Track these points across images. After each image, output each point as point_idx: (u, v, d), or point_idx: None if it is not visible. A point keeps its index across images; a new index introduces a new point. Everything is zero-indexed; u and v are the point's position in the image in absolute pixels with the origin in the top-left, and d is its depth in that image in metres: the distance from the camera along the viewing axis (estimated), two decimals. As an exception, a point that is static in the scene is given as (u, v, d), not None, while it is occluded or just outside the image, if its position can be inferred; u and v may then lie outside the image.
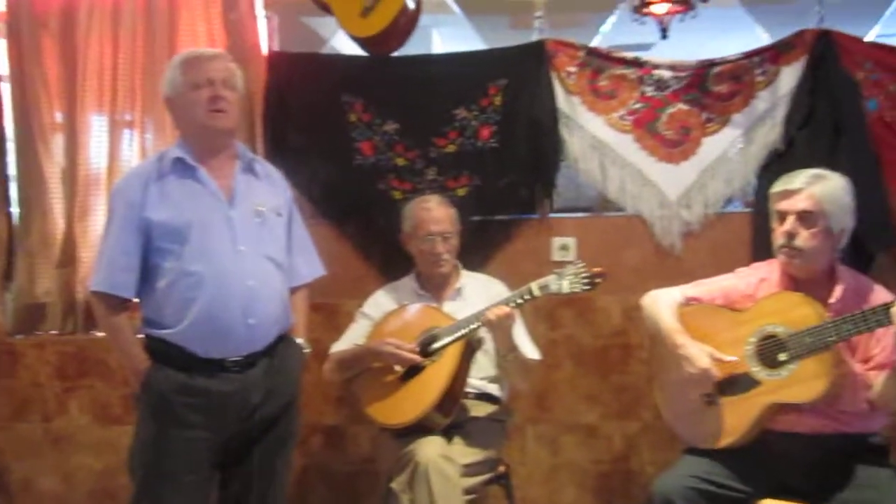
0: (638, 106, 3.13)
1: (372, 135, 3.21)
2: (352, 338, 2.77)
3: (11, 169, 3.42)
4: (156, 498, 2.27)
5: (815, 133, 2.97)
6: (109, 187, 3.23)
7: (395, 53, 3.21)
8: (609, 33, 3.41)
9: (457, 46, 3.51)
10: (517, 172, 3.16)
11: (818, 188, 2.21)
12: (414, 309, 2.74)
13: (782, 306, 2.21)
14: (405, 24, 3.10)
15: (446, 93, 3.18)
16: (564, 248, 3.20)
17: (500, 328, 2.49)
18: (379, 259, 3.25)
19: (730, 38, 3.33)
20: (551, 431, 3.28)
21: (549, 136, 3.12)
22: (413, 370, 2.59)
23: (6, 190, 3.41)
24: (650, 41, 3.13)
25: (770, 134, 3.06)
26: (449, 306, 2.76)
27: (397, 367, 2.61)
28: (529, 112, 3.13)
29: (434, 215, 2.76)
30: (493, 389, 2.77)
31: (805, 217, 2.20)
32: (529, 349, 2.71)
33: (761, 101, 3.07)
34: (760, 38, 3.22)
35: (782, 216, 2.25)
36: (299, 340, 2.48)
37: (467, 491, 2.44)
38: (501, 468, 2.70)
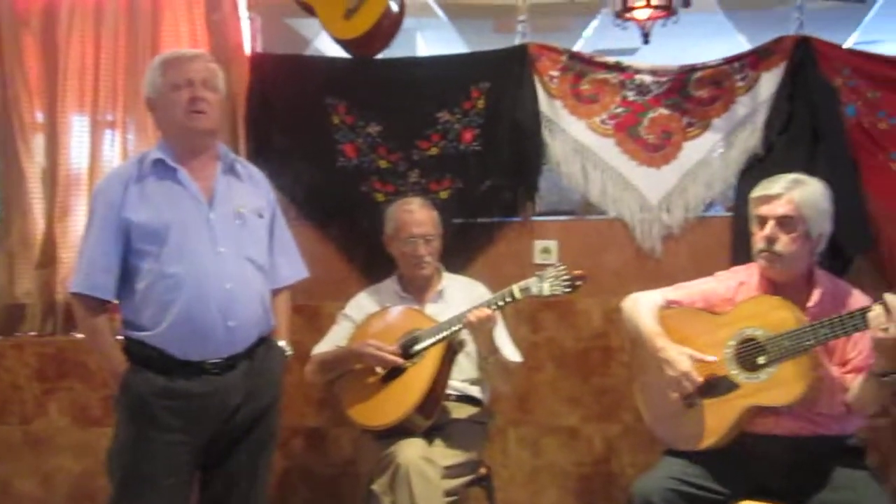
0: (619, 110, 3.15)
1: (355, 137, 3.21)
2: (334, 339, 2.78)
3: (-9, 168, 3.39)
4: (134, 501, 2.26)
5: (794, 138, 3.01)
6: (90, 188, 3.21)
7: (379, 56, 3.22)
8: (593, 38, 3.44)
9: (441, 49, 3.53)
10: (500, 175, 3.17)
11: (798, 193, 2.23)
12: (396, 311, 2.74)
13: (761, 310, 2.23)
14: (388, 26, 3.11)
15: (429, 95, 3.19)
16: (546, 250, 3.21)
17: (482, 330, 2.50)
18: (361, 261, 3.25)
19: (712, 43, 3.36)
20: (533, 433, 3.29)
21: (531, 139, 3.14)
22: (394, 372, 2.59)
23: (-15, 189, 3.39)
24: (634, 46, 3.15)
25: (750, 139, 3.09)
26: (431, 308, 2.77)
27: (379, 369, 2.61)
28: (512, 115, 3.14)
29: (416, 218, 2.77)
30: (475, 391, 2.78)
31: (785, 222, 2.22)
32: (510, 351, 2.72)
33: (741, 107, 3.10)
34: (742, 43, 3.25)
35: (762, 221, 2.27)
36: (281, 343, 2.47)
37: (448, 493, 2.45)
38: (483, 470, 2.71)
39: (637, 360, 2.52)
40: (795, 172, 2.34)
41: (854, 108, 3.03)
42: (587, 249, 3.20)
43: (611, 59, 3.16)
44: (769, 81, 3.07)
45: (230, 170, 2.38)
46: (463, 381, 2.75)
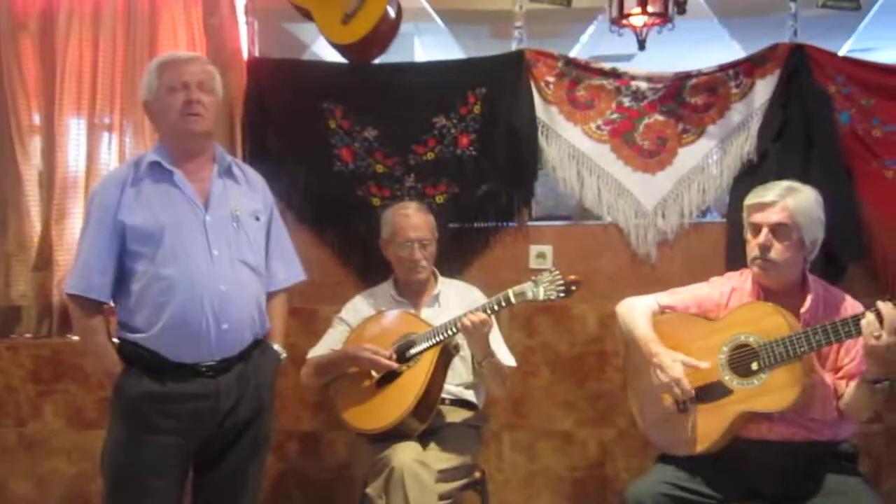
0: (615, 116, 3.17)
1: (351, 141, 3.22)
2: (329, 343, 2.78)
3: (-12, 170, 3.40)
4: (124, 501, 2.27)
5: (788, 145, 3.02)
6: (87, 190, 3.21)
7: (376, 61, 3.23)
8: (590, 44, 3.44)
9: (438, 55, 3.53)
10: (496, 180, 3.18)
11: (791, 201, 2.24)
12: (391, 315, 2.75)
13: (754, 316, 2.25)
14: (386, 31, 3.11)
15: (426, 100, 3.20)
16: (541, 255, 3.22)
17: (477, 334, 2.51)
18: (357, 265, 3.26)
19: (707, 50, 3.38)
20: (527, 438, 3.30)
21: (527, 144, 3.15)
22: (389, 376, 2.60)
23: (-18, 191, 3.39)
24: (630, 52, 3.16)
25: (744, 145, 3.11)
26: (426, 312, 2.78)
27: (374, 373, 2.62)
28: (508, 121, 3.15)
29: (412, 222, 2.77)
30: (470, 396, 2.78)
31: (779, 230, 2.24)
32: (505, 356, 2.73)
33: (736, 113, 3.12)
34: (737, 50, 3.27)
35: (756, 228, 2.28)
36: (275, 346, 2.48)
37: (442, 496, 2.45)
38: (477, 474, 2.71)
39: (631, 365, 2.53)
40: (789, 179, 2.36)
41: (848, 116, 3.05)
42: (582, 255, 3.21)
43: (606, 66, 3.18)
44: (764, 88, 3.09)
45: (226, 172, 2.39)
46: (458, 385, 2.75)
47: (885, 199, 3.02)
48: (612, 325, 2.54)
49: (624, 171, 3.18)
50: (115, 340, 2.33)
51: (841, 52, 3.20)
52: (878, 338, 1.99)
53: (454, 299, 2.81)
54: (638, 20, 3.03)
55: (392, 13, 3.08)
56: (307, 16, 3.14)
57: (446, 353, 2.61)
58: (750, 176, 3.03)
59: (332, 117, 3.22)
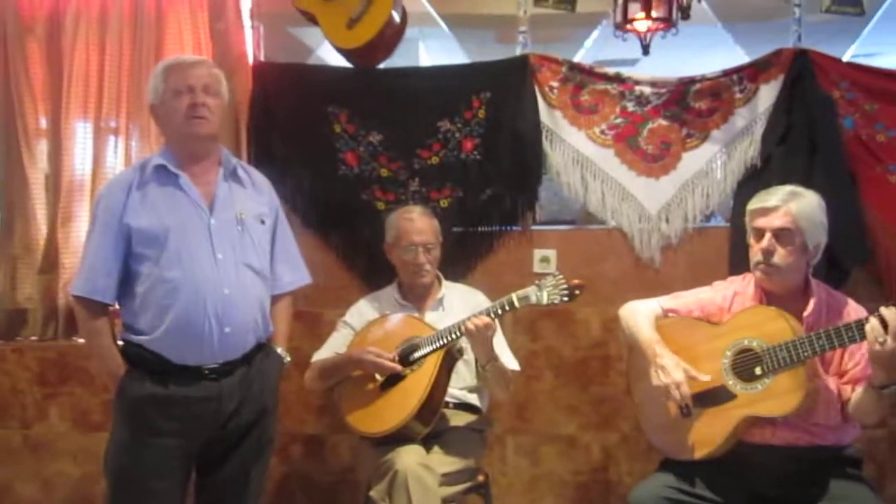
0: (619, 121, 3.17)
1: (356, 146, 3.23)
2: (333, 346, 2.79)
3: (-6, 173, 3.42)
4: (127, 503, 2.28)
5: (792, 150, 3.02)
6: (93, 194, 3.23)
7: (381, 65, 3.24)
8: (594, 48, 3.45)
9: (443, 59, 3.54)
10: (500, 185, 3.19)
11: (794, 205, 2.24)
12: (395, 318, 2.75)
13: (758, 320, 2.25)
14: (391, 36, 3.13)
15: (431, 105, 3.21)
16: (545, 259, 3.23)
17: (481, 338, 2.51)
18: (361, 268, 3.27)
19: (711, 55, 3.38)
20: (531, 442, 3.30)
21: (531, 149, 3.16)
22: (393, 379, 2.60)
23: (-11, 194, 3.41)
24: (635, 56, 3.17)
25: (748, 150, 3.12)
26: (430, 316, 2.78)
27: (378, 376, 2.63)
28: (513, 125, 3.16)
29: (417, 226, 2.78)
30: (473, 399, 2.79)
31: (782, 234, 2.23)
32: (509, 360, 2.73)
33: (740, 118, 3.13)
34: (741, 55, 3.27)
35: (759, 233, 2.28)
36: (279, 349, 2.48)
37: (446, 500, 2.45)
38: (481, 477, 2.71)
39: (634, 369, 2.53)
40: (793, 184, 2.36)
41: (852, 121, 3.05)
42: (586, 259, 3.21)
43: (610, 71, 3.19)
44: (767, 93, 3.10)
45: (232, 175, 2.40)
46: (461, 388, 2.76)
47: (888, 203, 3.02)
48: (615, 329, 2.54)
49: (628, 175, 3.18)
50: (120, 342, 2.34)
51: (845, 58, 3.19)
52: (882, 343, 1.99)
53: (458, 303, 2.82)
54: (642, 25, 3.04)
55: (397, 18, 3.09)
56: (312, 20, 3.16)
57: (450, 357, 2.62)
58: (754, 181, 3.03)
59: (336, 121, 3.23)
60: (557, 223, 3.35)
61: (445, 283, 2.90)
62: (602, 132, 3.18)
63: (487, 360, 2.58)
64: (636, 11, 3.02)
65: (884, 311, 2.00)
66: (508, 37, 3.30)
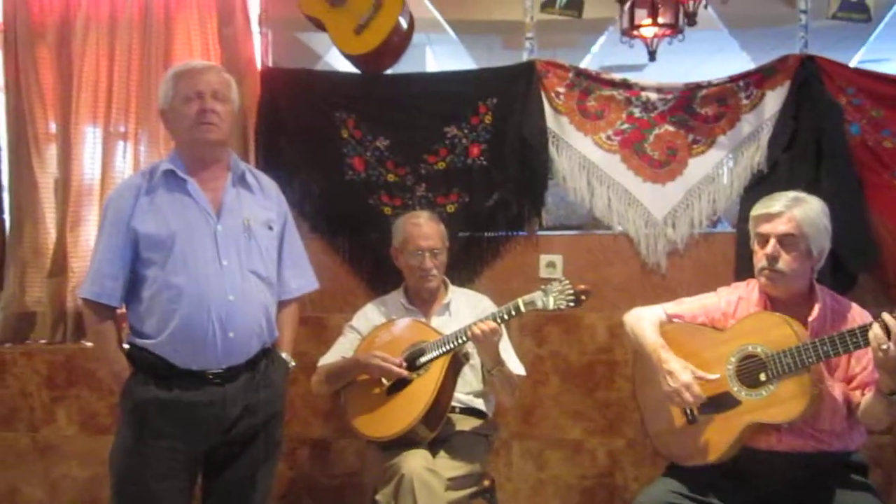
0: (625, 126, 3.18)
1: (363, 151, 3.25)
2: (340, 351, 2.80)
3: (4, 178, 3.44)
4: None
5: (798, 156, 3.03)
6: (102, 198, 3.24)
7: (388, 71, 3.25)
8: (600, 54, 3.46)
9: (451, 64, 3.55)
10: (506, 190, 3.20)
11: (798, 211, 2.24)
12: (402, 323, 2.76)
13: (762, 326, 2.24)
14: (398, 42, 3.14)
15: (437, 111, 3.22)
16: (551, 265, 3.23)
17: (487, 343, 2.51)
18: (368, 273, 3.28)
19: (717, 60, 3.39)
20: (537, 446, 3.31)
21: (538, 154, 3.16)
22: (399, 384, 2.61)
23: (-1, 198, 3.43)
24: (641, 62, 3.18)
25: (755, 156, 3.12)
26: (436, 321, 2.79)
27: (384, 381, 2.63)
28: (519, 131, 3.17)
29: (423, 231, 2.79)
30: (479, 404, 2.79)
31: (786, 240, 2.23)
32: (515, 365, 2.74)
33: (746, 124, 3.13)
34: (747, 61, 3.28)
35: (763, 239, 2.28)
36: (284, 354, 2.49)
37: (452, 504, 2.46)
38: (486, 482, 2.72)
39: (639, 375, 2.53)
40: (800, 190, 2.35)
41: (858, 127, 3.05)
42: (592, 264, 3.22)
43: (617, 76, 3.19)
44: (774, 99, 3.10)
45: (240, 181, 2.40)
46: (468, 393, 2.76)
47: (895, 209, 3.02)
48: (621, 334, 2.54)
49: (634, 181, 3.19)
50: (126, 346, 2.36)
51: (851, 64, 3.20)
52: (885, 350, 1.98)
53: (464, 308, 2.83)
54: (648, 31, 3.06)
55: (404, 24, 3.11)
56: (320, 26, 3.17)
57: (456, 362, 2.62)
58: (760, 186, 3.03)
59: (344, 127, 3.25)
60: (564, 228, 3.36)
61: (452, 287, 2.91)
62: (608, 138, 3.19)
63: (493, 364, 2.58)
64: (643, 17, 3.04)
65: (886, 317, 2.00)
66: (515, 43, 3.31)
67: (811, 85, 3.03)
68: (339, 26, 3.11)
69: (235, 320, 2.27)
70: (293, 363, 2.52)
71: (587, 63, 3.38)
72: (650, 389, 2.44)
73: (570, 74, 3.20)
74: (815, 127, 3.01)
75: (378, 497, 2.47)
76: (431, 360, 2.59)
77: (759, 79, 3.12)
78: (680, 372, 2.27)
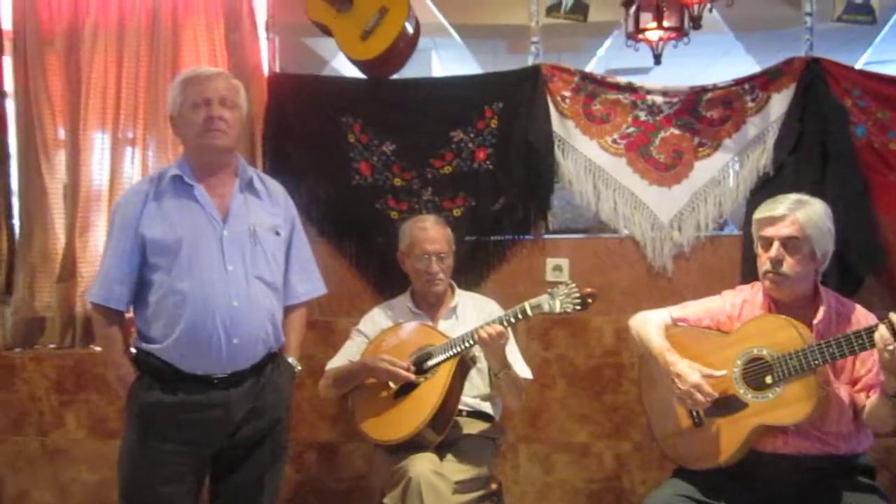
0: (631, 130, 3.19)
1: (370, 156, 3.26)
2: (347, 355, 2.80)
3: (14, 183, 3.45)
4: None
5: (804, 158, 3.03)
6: (110, 203, 3.26)
7: (394, 75, 3.27)
8: (606, 57, 3.47)
9: (456, 69, 3.57)
10: (512, 194, 3.20)
11: (801, 214, 2.24)
12: (409, 327, 2.77)
13: (767, 328, 2.24)
14: (404, 47, 3.15)
15: (443, 115, 3.23)
16: (558, 268, 3.24)
17: (493, 346, 2.52)
18: (375, 277, 3.29)
19: (723, 64, 3.39)
20: (544, 450, 3.31)
21: (543, 158, 3.17)
22: (407, 387, 2.62)
23: (8, 204, 3.45)
24: (647, 65, 3.19)
25: (761, 159, 3.12)
26: (443, 325, 2.80)
27: (391, 384, 2.64)
28: (525, 135, 3.17)
29: (430, 235, 2.80)
30: (486, 407, 2.80)
31: (790, 243, 2.23)
32: (522, 368, 2.74)
33: (752, 127, 3.13)
34: (753, 64, 3.28)
35: (767, 242, 2.28)
36: (290, 359, 2.50)
37: (459, 507, 2.47)
38: (494, 485, 2.71)
39: (646, 378, 2.54)
40: (806, 192, 2.35)
41: (864, 129, 3.05)
42: (599, 267, 3.23)
43: (622, 80, 3.20)
44: (779, 102, 3.10)
45: (248, 186, 2.42)
46: (475, 396, 2.77)
47: (901, 211, 3.03)
48: (628, 337, 2.54)
49: (640, 184, 3.20)
50: (133, 350, 2.37)
51: (857, 66, 3.20)
52: (891, 351, 1.98)
53: (471, 312, 2.84)
54: (653, 35, 3.06)
55: (410, 30, 3.12)
56: (327, 32, 3.19)
57: (463, 365, 2.63)
58: (766, 189, 3.03)
59: (350, 132, 3.26)
60: (570, 232, 3.36)
61: (458, 291, 2.92)
62: (614, 141, 3.19)
63: (500, 368, 2.59)
64: (648, 21, 3.04)
65: (893, 317, 2.00)
66: (520, 47, 3.32)
67: (817, 87, 3.04)
68: (346, 32, 3.12)
69: (240, 326, 2.28)
70: (299, 367, 2.53)
71: (592, 67, 3.39)
72: (656, 393, 2.44)
73: (576, 78, 3.20)
74: (821, 129, 3.01)
75: (386, 500, 2.48)
76: (438, 364, 2.60)
77: (764, 81, 3.12)
78: (688, 373, 2.27)
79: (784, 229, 2.24)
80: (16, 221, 3.45)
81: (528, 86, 3.20)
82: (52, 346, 3.42)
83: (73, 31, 3.33)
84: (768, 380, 2.20)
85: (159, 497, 2.28)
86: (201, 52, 3.31)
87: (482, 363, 2.69)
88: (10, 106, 3.43)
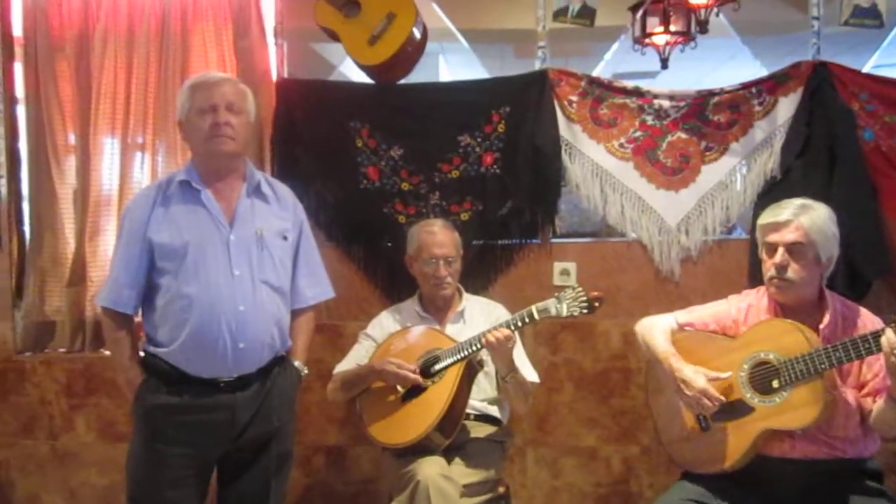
0: (638, 134, 3.19)
1: (378, 160, 3.27)
2: (355, 358, 2.82)
3: (24, 188, 3.48)
4: None
5: (811, 162, 3.02)
6: (120, 208, 3.28)
7: (402, 81, 3.27)
8: (613, 61, 3.47)
9: (463, 73, 3.58)
10: (519, 198, 3.21)
11: (805, 219, 2.24)
12: (416, 331, 2.78)
13: (774, 333, 2.24)
14: (412, 52, 3.16)
15: (451, 120, 3.23)
16: (565, 272, 3.24)
17: (501, 350, 2.53)
18: (383, 281, 3.30)
19: (730, 68, 3.39)
20: (552, 454, 3.31)
21: (551, 162, 3.17)
22: (414, 391, 2.62)
23: (19, 209, 3.48)
24: (654, 69, 3.19)
25: (768, 162, 3.12)
26: (451, 328, 2.81)
27: (399, 388, 2.65)
28: (532, 139, 3.18)
29: (438, 239, 2.81)
30: (494, 411, 2.80)
31: (795, 249, 2.23)
32: (528, 372, 2.75)
33: (759, 131, 3.13)
34: (760, 68, 3.28)
35: (772, 248, 2.28)
36: (297, 363, 2.51)
37: (467, 511, 2.47)
38: (501, 489, 2.72)
39: (652, 382, 2.54)
40: (814, 196, 2.36)
41: (872, 133, 3.04)
42: (606, 271, 3.23)
43: (629, 84, 3.20)
44: (787, 106, 3.10)
45: (255, 191, 2.43)
46: (482, 400, 2.78)
47: (909, 214, 3.02)
48: (635, 341, 2.55)
49: (647, 188, 3.19)
50: (142, 353, 2.39)
51: (864, 69, 3.19)
52: None
53: (478, 315, 2.84)
54: (660, 39, 3.06)
55: (417, 35, 3.13)
56: (335, 37, 3.19)
57: (471, 369, 2.64)
58: (773, 193, 3.01)
59: (358, 136, 3.27)
60: (577, 236, 3.36)
61: (466, 295, 2.93)
62: (621, 145, 3.20)
63: (507, 372, 2.60)
64: (655, 25, 3.05)
65: None
66: (527, 51, 3.32)
67: (824, 91, 3.03)
68: (354, 37, 3.13)
69: (246, 330, 2.30)
70: (306, 371, 2.54)
71: (599, 71, 3.40)
72: (663, 397, 2.45)
73: (583, 82, 3.21)
74: (829, 133, 3.01)
75: (393, 504, 2.49)
76: (446, 368, 2.61)
77: (771, 85, 3.12)
78: (694, 379, 2.27)
79: (789, 235, 2.24)
80: (26, 226, 3.48)
81: (535, 90, 3.20)
82: (62, 349, 3.44)
83: (83, 38, 3.36)
84: (775, 384, 2.20)
85: (165, 500, 2.30)
86: (210, 57, 3.33)
87: (489, 367, 2.70)
88: (21, 111, 3.46)
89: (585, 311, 2.47)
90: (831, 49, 3.13)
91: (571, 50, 3.46)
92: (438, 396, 2.57)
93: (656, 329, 2.45)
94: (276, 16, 3.39)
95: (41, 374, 3.44)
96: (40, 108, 3.38)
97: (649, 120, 3.18)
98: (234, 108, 2.34)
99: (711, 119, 3.15)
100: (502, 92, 3.23)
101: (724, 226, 3.22)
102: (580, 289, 2.50)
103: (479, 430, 2.74)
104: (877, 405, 2.19)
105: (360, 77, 3.32)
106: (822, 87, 3.04)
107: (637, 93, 3.19)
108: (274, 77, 3.35)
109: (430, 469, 2.44)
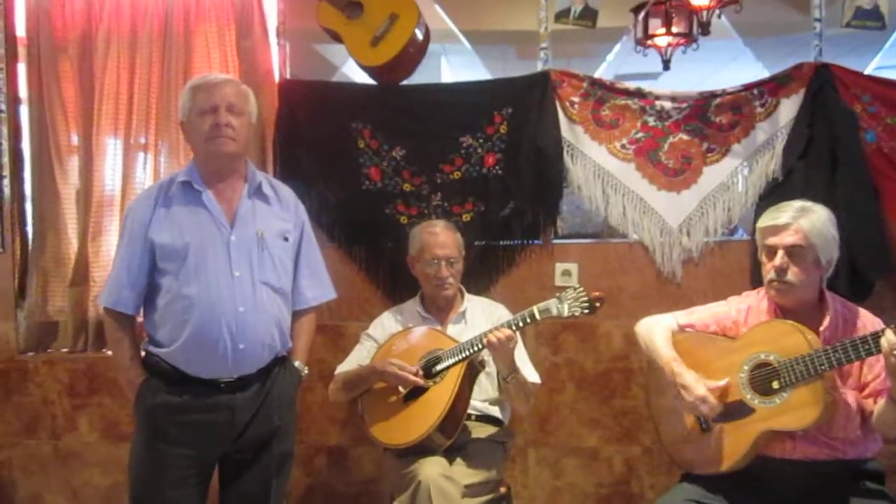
0: (640, 135, 3.19)
1: (380, 161, 3.28)
2: (357, 359, 2.82)
3: (27, 188, 3.49)
4: None
5: (813, 163, 3.02)
6: (123, 208, 3.29)
7: (404, 81, 3.28)
8: (615, 63, 3.47)
9: (465, 74, 3.58)
10: (521, 199, 3.21)
11: (805, 222, 2.24)
12: (418, 331, 2.78)
13: (774, 334, 2.24)
14: (414, 53, 3.16)
15: (453, 120, 3.24)
16: (567, 273, 3.25)
17: (502, 350, 2.53)
18: (385, 282, 3.31)
19: (731, 69, 3.39)
20: (553, 454, 3.32)
21: (553, 163, 3.18)
22: (416, 391, 2.63)
23: (22, 209, 3.49)
24: (656, 70, 3.19)
25: (770, 164, 3.12)
26: (452, 329, 2.81)
27: (401, 388, 2.65)
28: (534, 140, 3.18)
29: (440, 240, 2.81)
30: (495, 412, 2.81)
31: (794, 251, 2.23)
32: (530, 372, 2.75)
33: (761, 132, 3.13)
34: (762, 70, 3.28)
35: (771, 251, 2.27)
36: (297, 363, 2.51)
37: (468, 511, 2.47)
38: (503, 489, 2.73)
39: (653, 384, 2.54)
40: (815, 198, 2.36)
41: (874, 134, 3.05)
42: (608, 272, 3.23)
43: (631, 86, 3.21)
44: (788, 107, 3.10)
45: (257, 192, 2.43)
46: (483, 400, 2.78)
47: (911, 216, 3.02)
48: (637, 342, 2.55)
49: (649, 189, 3.20)
50: (143, 353, 2.40)
51: (866, 71, 3.19)
52: None
53: (480, 316, 2.85)
54: (662, 40, 3.07)
55: (420, 36, 3.13)
56: (337, 38, 3.20)
57: (472, 369, 2.64)
58: (775, 194, 3.02)
59: (360, 137, 3.27)
60: (579, 237, 3.36)
61: (468, 296, 2.93)
62: (623, 147, 3.20)
63: (509, 372, 2.60)
64: (657, 27, 3.06)
65: None
66: (529, 53, 3.33)
67: (826, 93, 3.03)
68: (356, 38, 3.14)
69: (246, 331, 2.30)
70: (306, 371, 2.54)
71: (601, 72, 3.40)
72: (664, 398, 2.45)
73: (585, 84, 3.21)
74: (830, 135, 3.01)
75: (395, 504, 2.50)
76: (447, 368, 2.61)
77: (773, 87, 3.12)
78: (694, 386, 2.27)
79: (788, 238, 2.24)
80: (29, 226, 3.49)
81: (537, 91, 3.21)
82: (64, 349, 3.45)
83: (86, 38, 3.37)
84: (775, 385, 2.20)
85: (166, 500, 2.30)
86: (213, 58, 3.34)
87: (491, 367, 2.71)
88: (25, 112, 3.47)
89: (587, 311, 2.48)
90: (833, 51, 3.13)
91: (573, 51, 3.46)
92: (440, 397, 2.57)
93: (657, 331, 2.44)
94: (279, 16, 3.40)
95: (44, 374, 3.44)
96: (43, 108, 3.39)
97: (651, 121, 3.18)
98: (235, 109, 2.35)
99: (713, 120, 3.16)
100: (504, 93, 3.24)
101: (726, 227, 3.22)
102: (581, 289, 2.50)
103: (481, 431, 2.74)
104: (878, 406, 2.19)
105: (362, 78, 3.33)
106: (823, 88, 3.04)
107: (639, 94, 3.19)
108: (276, 78, 3.36)
109: (432, 469, 2.44)
